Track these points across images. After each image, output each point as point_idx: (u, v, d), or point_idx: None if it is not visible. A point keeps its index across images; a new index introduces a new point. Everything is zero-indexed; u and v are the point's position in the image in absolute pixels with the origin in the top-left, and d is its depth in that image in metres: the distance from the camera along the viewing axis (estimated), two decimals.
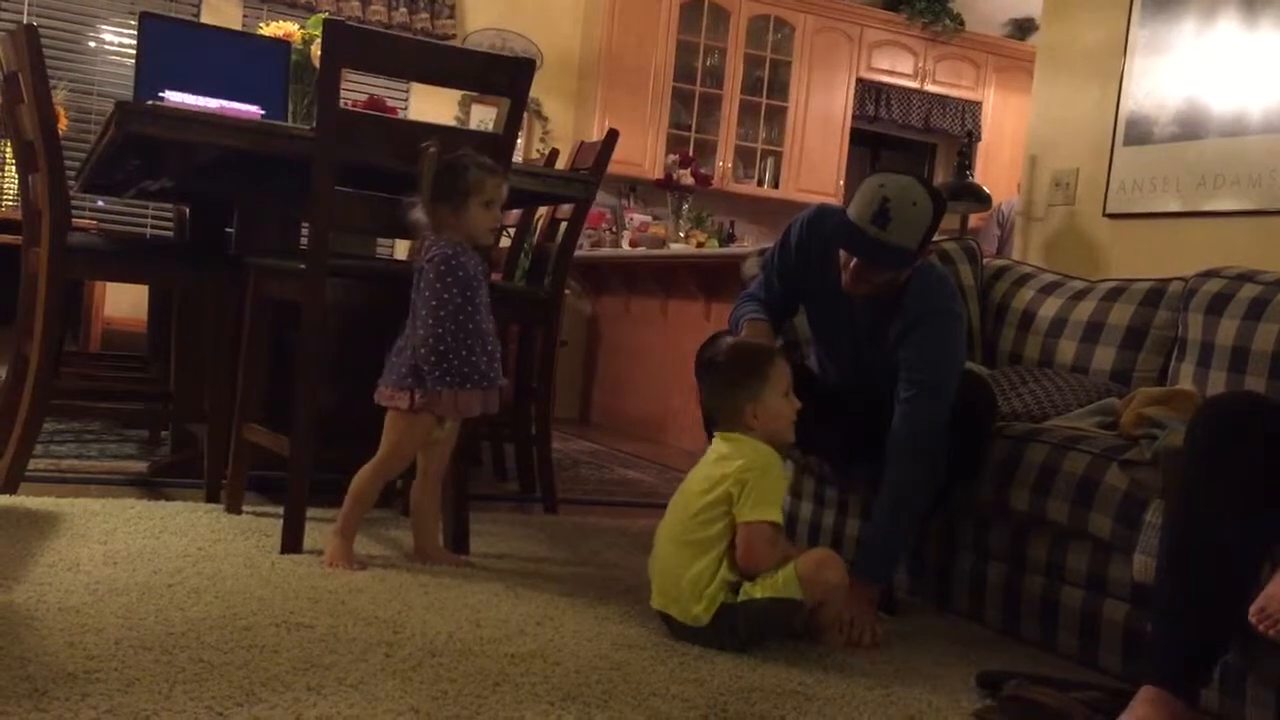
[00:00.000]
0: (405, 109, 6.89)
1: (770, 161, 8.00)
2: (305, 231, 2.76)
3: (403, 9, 6.94)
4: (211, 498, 2.96)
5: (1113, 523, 2.20)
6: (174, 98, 3.19)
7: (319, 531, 2.68)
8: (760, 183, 7.99)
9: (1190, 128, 3.77)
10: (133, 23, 5.49)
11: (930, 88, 8.36)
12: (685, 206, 7.18)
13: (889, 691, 1.97)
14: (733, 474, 2.14)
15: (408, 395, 2.42)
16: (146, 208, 6.43)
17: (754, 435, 2.20)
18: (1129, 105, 3.99)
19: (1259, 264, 2.78)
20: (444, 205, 2.44)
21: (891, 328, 2.44)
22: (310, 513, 2.58)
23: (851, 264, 2.39)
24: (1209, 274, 2.74)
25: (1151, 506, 2.12)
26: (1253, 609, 1.71)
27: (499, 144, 2.69)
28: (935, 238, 2.64)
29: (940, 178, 8.42)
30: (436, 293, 2.38)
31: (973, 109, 8.48)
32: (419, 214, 2.45)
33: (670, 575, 2.16)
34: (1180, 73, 3.82)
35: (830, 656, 2.15)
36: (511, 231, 4.44)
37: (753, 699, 1.85)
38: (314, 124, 2.64)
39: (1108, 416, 2.59)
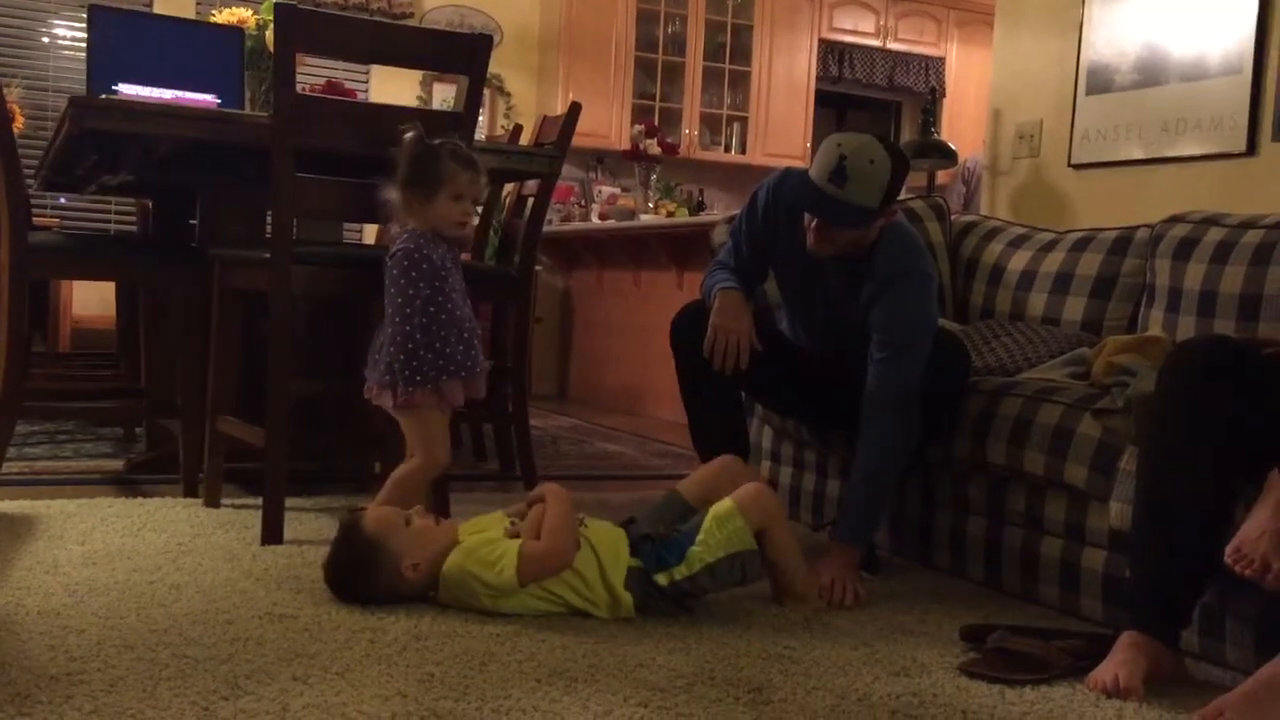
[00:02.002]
0: (366, 91, 6.83)
1: (736, 127, 7.97)
2: (269, 220, 2.74)
3: None
4: (189, 492, 2.94)
5: (1088, 471, 2.22)
6: (128, 90, 3.15)
7: (299, 522, 2.68)
8: (727, 149, 7.96)
9: (1150, 74, 3.78)
10: (85, 16, 5.42)
11: (893, 45, 8.34)
12: (653, 177, 7.16)
13: (874, 650, 1.98)
14: (480, 588, 2.05)
15: (390, 393, 2.39)
16: (109, 203, 6.35)
17: (425, 572, 2.07)
18: (1089, 54, 4.00)
19: (1223, 207, 2.79)
20: (414, 191, 2.39)
21: (863, 290, 2.45)
22: (289, 503, 2.57)
23: (813, 224, 2.39)
24: (1175, 219, 2.75)
25: (1126, 454, 2.14)
26: (1228, 549, 1.72)
27: (460, 123, 2.67)
28: (902, 196, 2.64)
29: (906, 136, 8.42)
30: (402, 289, 2.35)
31: (936, 65, 8.47)
32: (391, 194, 2.42)
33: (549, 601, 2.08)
34: (1139, 19, 3.82)
35: (815, 619, 2.16)
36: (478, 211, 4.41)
37: (739, 664, 1.86)
38: (272, 110, 2.61)
39: (1080, 366, 2.60)
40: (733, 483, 2.26)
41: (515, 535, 2.10)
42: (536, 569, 2.05)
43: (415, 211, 2.40)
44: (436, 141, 2.40)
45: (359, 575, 2.08)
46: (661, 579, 2.09)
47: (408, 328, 2.34)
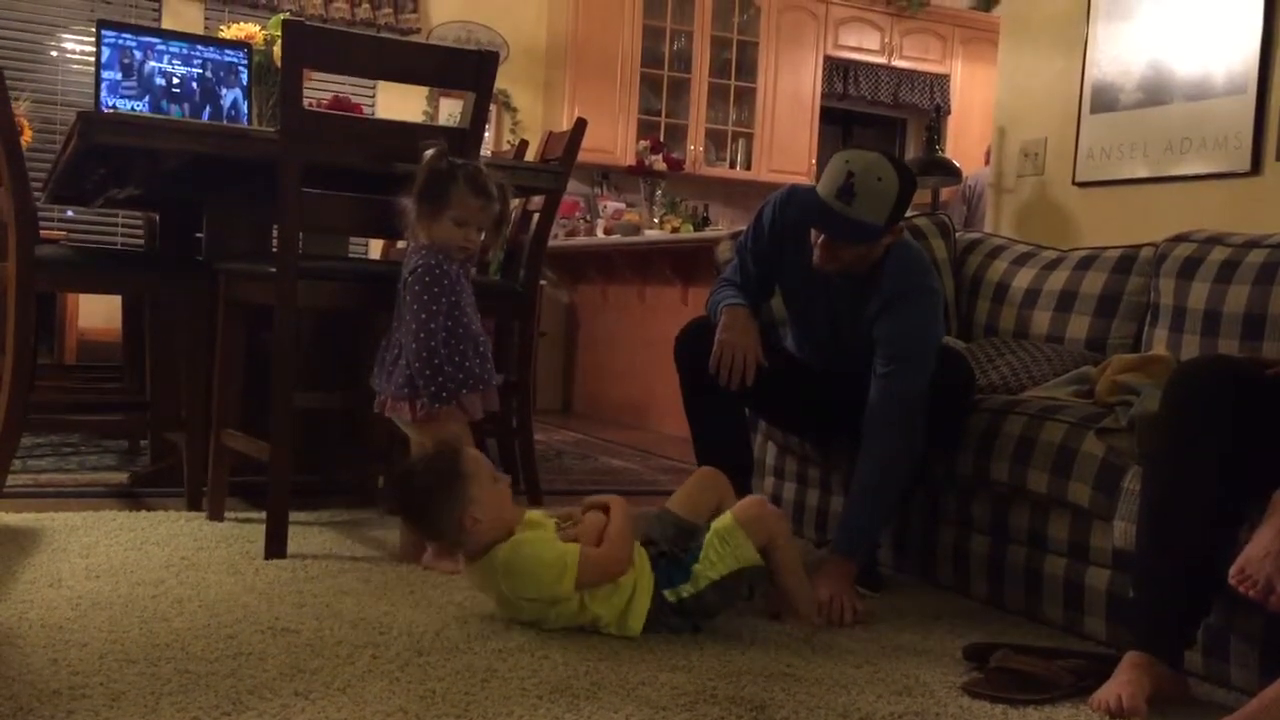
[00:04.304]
0: (372, 107, 6.86)
1: (741, 143, 7.99)
2: (275, 234, 2.74)
3: (365, 5, 6.90)
4: (193, 506, 2.94)
5: (1092, 490, 2.21)
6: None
7: (302, 536, 2.68)
8: (732, 165, 7.99)
9: (1155, 93, 3.79)
10: (93, 31, 5.44)
11: (898, 63, 8.37)
12: (658, 192, 7.18)
13: (876, 668, 1.98)
14: (525, 600, 2.07)
15: (408, 405, 2.39)
16: (116, 216, 6.38)
17: (479, 533, 2.07)
18: (1094, 73, 4.00)
19: (1228, 226, 2.80)
20: (423, 205, 2.41)
21: (869, 306, 2.45)
22: (293, 517, 2.57)
23: (820, 240, 2.40)
24: (1179, 238, 2.75)
25: (1129, 473, 2.13)
26: (1232, 570, 1.72)
27: (465, 138, 2.68)
28: (908, 213, 2.64)
29: (911, 153, 8.44)
30: (424, 305, 2.36)
31: (941, 83, 8.50)
32: (406, 202, 2.43)
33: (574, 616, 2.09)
34: (1143, 38, 3.83)
35: (817, 636, 2.16)
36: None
37: (741, 682, 1.86)
38: (278, 126, 2.62)
39: (1084, 385, 2.60)
40: (716, 494, 2.26)
41: (570, 539, 2.10)
42: (596, 574, 2.05)
43: (423, 225, 2.42)
44: (459, 162, 2.41)
45: (431, 497, 2.07)
46: (670, 596, 2.10)
47: (433, 343, 2.35)
